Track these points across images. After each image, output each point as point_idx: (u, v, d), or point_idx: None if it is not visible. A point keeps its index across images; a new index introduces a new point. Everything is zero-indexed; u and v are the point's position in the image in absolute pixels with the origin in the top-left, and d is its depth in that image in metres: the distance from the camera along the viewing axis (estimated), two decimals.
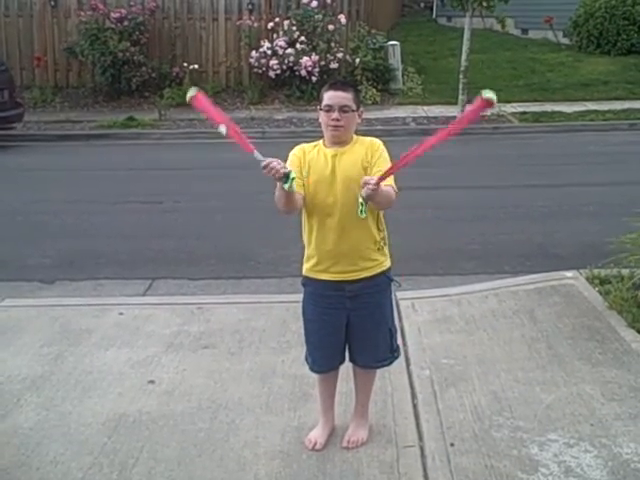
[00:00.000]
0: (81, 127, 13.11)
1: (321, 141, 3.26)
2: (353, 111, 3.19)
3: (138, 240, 6.98)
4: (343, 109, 3.16)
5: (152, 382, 4.10)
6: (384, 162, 3.16)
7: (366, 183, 2.88)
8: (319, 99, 3.27)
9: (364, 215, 2.98)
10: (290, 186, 2.92)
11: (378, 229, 3.27)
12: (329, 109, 3.17)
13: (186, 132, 12.76)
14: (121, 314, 5.06)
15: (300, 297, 5.07)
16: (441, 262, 6.23)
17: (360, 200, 2.95)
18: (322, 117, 3.22)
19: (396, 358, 3.50)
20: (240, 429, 3.60)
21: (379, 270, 3.30)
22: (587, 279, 5.28)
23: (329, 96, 3.19)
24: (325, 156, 3.19)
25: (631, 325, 4.50)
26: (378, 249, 3.28)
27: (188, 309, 5.13)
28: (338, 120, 3.15)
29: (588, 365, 4.07)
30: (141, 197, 8.47)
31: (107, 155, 11.48)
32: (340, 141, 3.20)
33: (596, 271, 5.31)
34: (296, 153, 3.24)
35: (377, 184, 2.88)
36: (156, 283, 5.92)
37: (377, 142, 3.26)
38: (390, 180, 3.10)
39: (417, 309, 5.01)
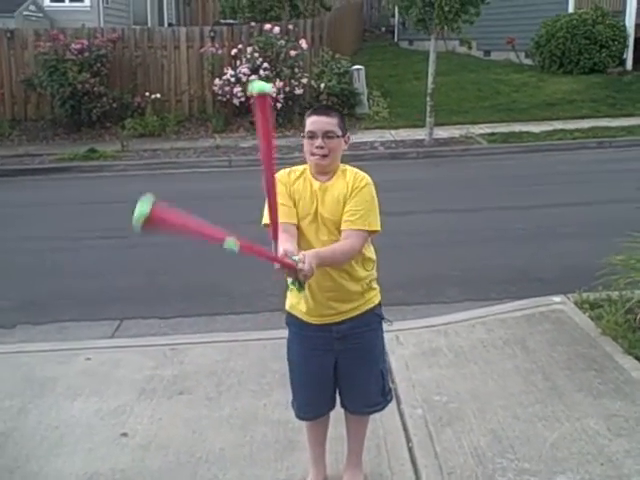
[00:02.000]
0: (41, 161, 12.72)
1: (307, 167, 3.00)
2: (338, 137, 2.94)
3: (103, 278, 6.66)
4: (327, 135, 2.91)
5: (125, 435, 3.79)
6: (358, 202, 2.87)
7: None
8: (302, 126, 3.02)
9: (302, 291, 2.68)
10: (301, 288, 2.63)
11: (364, 269, 3.00)
12: (312, 135, 2.92)
13: (150, 163, 12.43)
14: (88, 359, 4.74)
15: (278, 333, 4.83)
16: (423, 290, 6.00)
17: (289, 281, 2.63)
18: (305, 145, 2.97)
19: (389, 402, 3.25)
20: None
21: (367, 307, 3.04)
22: (576, 304, 5.09)
23: (311, 121, 2.94)
24: (311, 188, 2.92)
25: (628, 352, 4.31)
26: (365, 290, 3.02)
27: (160, 351, 4.84)
28: (322, 148, 2.90)
29: (589, 397, 3.85)
30: (105, 232, 8.12)
31: (69, 189, 11.12)
32: (325, 171, 2.95)
33: (585, 295, 5.12)
34: (281, 179, 2.93)
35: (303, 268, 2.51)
36: (125, 323, 5.60)
37: (361, 177, 2.95)
38: (359, 222, 2.84)
39: (402, 342, 4.77)
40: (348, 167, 3.02)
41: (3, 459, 3.59)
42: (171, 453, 3.58)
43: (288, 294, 3.08)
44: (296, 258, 2.52)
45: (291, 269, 2.52)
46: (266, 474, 3.38)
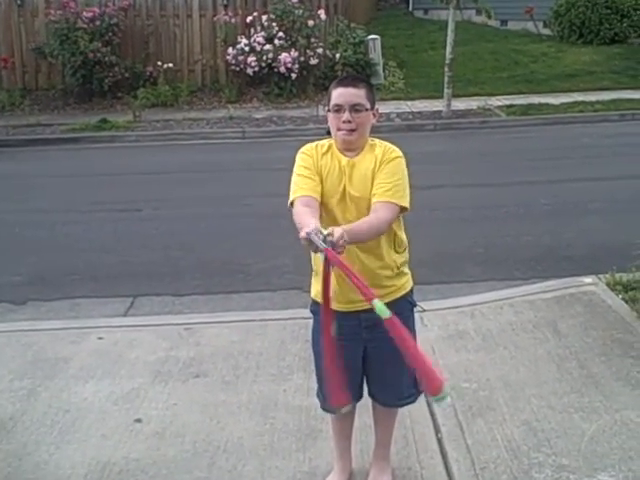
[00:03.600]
0: (52, 131, 12.49)
1: (333, 142, 2.77)
2: (367, 110, 2.72)
3: (116, 253, 6.47)
4: (355, 108, 2.69)
5: (139, 421, 3.62)
6: (387, 175, 2.66)
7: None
8: (327, 98, 2.80)
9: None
10: None
11: (396, 251, 2.80)
12: (338, 109, 2.70)
13: (163, 134, 12.19)
14: (101, 338, 4.58)
15: (297, 313, 4.67)
16: (445, 268, 5.80)
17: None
18: (331, 119, 2.74)
19: (421, 393, 3.05)
20: (243, 477, 3.15)
21: (399, 295, 2.84)
22: (608, 285, 4.88)
23: (338, 94, 2.71)
24: (339, 164, 2.71)
25: None
26: (397, 274, 2.81)
27: (175, 330, 4.66)
28: (350, 122, 2.68)
29: (628, 387, 3.65)
30: (118, 205, 7.94)
31: (80, 160, 10.90)
32: (353, 147, 2.73)
33: (617, 276, 4.91)
34: (307, 152, 2.74)
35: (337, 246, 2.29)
36: (138, 301, 5.42)
37: (391, 149, 2.75)
38: (389, 194, 2.63)
39: (427, 324, 4.57)
40: (377, 141, 2.80)
41: (12, 445, 3.44)
42: (187, 441, 3.42)
43: (313, 281, 2.88)
44: (324, 231, 2.30)
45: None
46: (288, 466, 3.20)
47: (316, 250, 2.32)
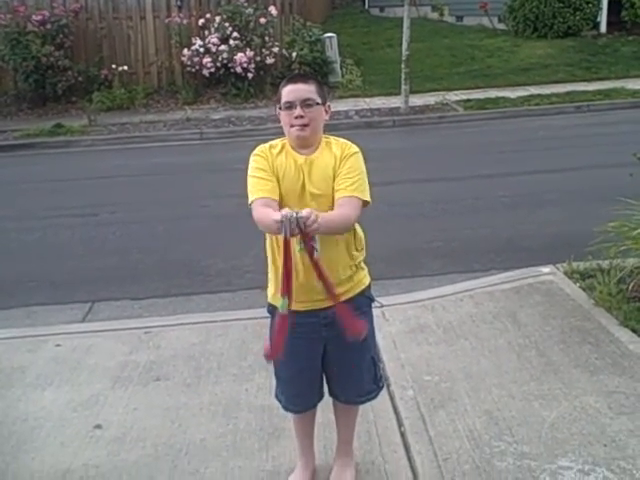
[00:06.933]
0: (4, 137, 12.25)
1: (287, 140, 2.75)
2: (318, 104, 2.71)
3: (73, 258, 6.36)
4: (306, 103, 2.67)
5: (99, 427, 3.56)
6: (350, 169, 2.65)
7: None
8: (277, 98, 2.78)
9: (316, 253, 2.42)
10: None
11: (356, 249, 2.78)
12: (290, 106, 2.67)
13: (118, 137, 12.04)
14: (58, 345, 4.50)
15: (258, 313, 4.62)
16: (406, 263, 5.80)
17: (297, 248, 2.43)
18: (283, 117, 2.72)
19: (381, 389, 3.04)
20: (206, 479, 3.11)
21: (358, 290, 2.82)
22: (566, 274, 4.93)
23: (288, 91, 2.70)
24: (295, 163, 2.68)
25: (623, 323, 4.15)
26: (354, 273, 2.79)
27: (135, 335, 4.60)
28: (302, 117, 2.66)
29: (586, 373, 3.68)
30: (74, 210, 7.81)
31: (34, 166, 10.70)
32: (307, 144, 2.70)
33: (574, 264, 4.96)
34: (261, 154, 2.71)
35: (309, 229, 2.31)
36: (96, 306, 5.34)
37: (349, 146, 2.73)
38: (352, 189, 2.62)
39: (388, 318, 4.58)
40: (332, 138, 2.78)
41: None
42: (148, 445, 3.37)
43: (270, 284, 2.85)
44: (303, 213, 2.29)
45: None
46: (251, 465, 3.17)
47: (287, 235, 2.31)
